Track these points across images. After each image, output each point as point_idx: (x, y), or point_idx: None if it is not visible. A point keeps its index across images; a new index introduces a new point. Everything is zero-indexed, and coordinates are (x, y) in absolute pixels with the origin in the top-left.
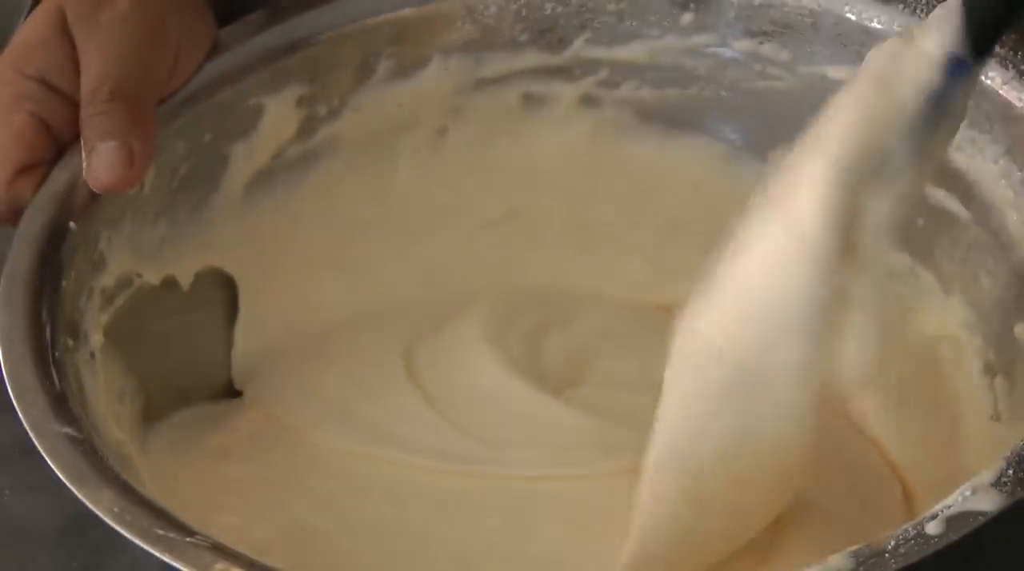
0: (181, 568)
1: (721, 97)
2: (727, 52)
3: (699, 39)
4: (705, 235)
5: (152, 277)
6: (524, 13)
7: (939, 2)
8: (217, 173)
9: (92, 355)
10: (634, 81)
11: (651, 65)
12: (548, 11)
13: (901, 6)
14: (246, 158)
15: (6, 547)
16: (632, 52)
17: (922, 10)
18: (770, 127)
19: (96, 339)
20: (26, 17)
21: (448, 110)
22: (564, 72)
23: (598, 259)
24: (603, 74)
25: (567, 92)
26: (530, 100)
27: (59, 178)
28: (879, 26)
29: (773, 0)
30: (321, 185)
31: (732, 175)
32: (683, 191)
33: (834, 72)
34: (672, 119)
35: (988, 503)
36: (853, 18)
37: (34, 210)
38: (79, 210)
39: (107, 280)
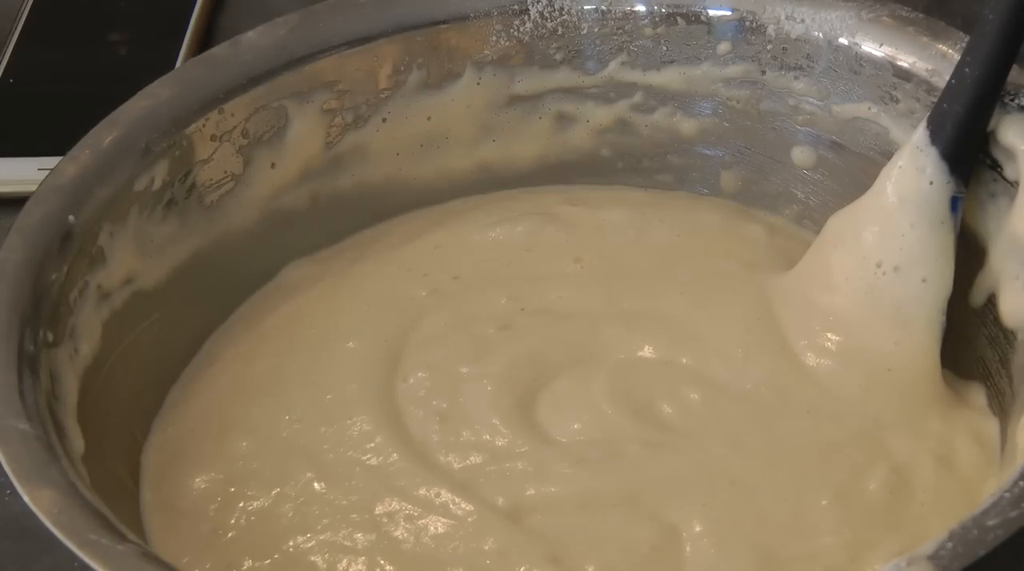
0: None
1: (755, 129)
2: (763, 83)
3: (735, 69)
4: (736, 277)
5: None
6: (560, 31)
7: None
8: (236, 174)
9: (76, 351)
10: (668, 107)
11: (686, 92)
12: (584, 31)
13: (936, 46)
14: (267, 161)
15: (6, 547)
16: (667, 78)
17: (958, 52)
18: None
19: (86, 336)
20: (26, 17)
21: (480, 126)
22: (598, 94)
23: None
24: (637, 98)
25: (600, 114)
26: (562, 120)
27: (65, 170)
28: (908, 66)
29: (809, 36)
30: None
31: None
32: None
33: (866, 111)
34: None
35: None
36: (887, 58)
37: (35, 201)
38: (81, 203)
39: (105, 277)
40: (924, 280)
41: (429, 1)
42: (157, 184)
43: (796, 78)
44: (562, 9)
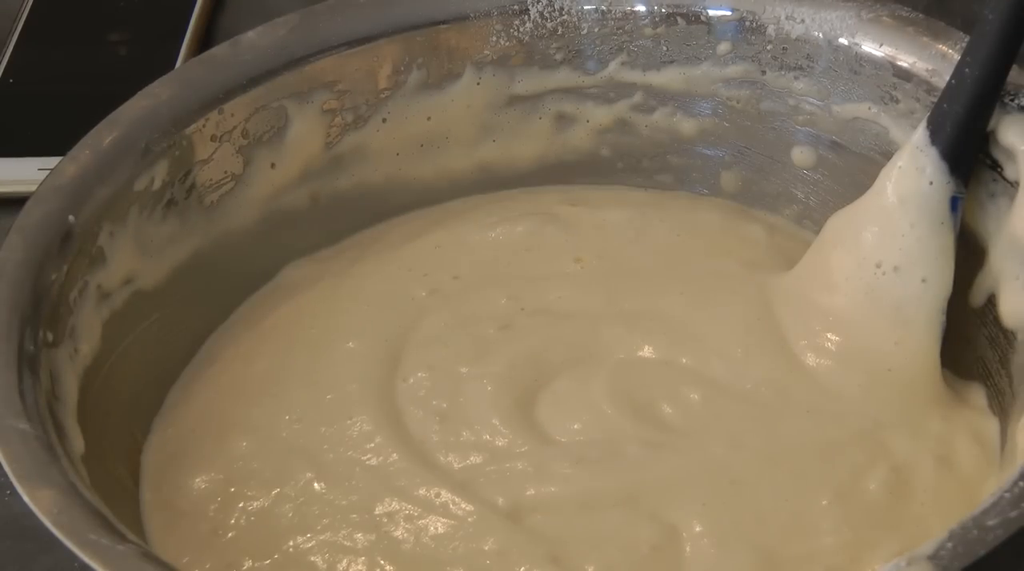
0: None
1: (755, 129)
2: (762, 84)
3: (735, 69)
4: (736, 277)
5: (150, 280)
6: (560, 31)
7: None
8: (236, 174)
9: (76, 351)
10: (668, 107)
11: (686, 92)
12: (584, 31)
13: (936, 46)
14: (267, 161)
15: (6, 547)
16: (667, 78)
17: (958, 52)
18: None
19: (86, 336)
20: (26, 17)
21: (480, 126)
22: (598, 94)
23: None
24: (637, 98)
25: (600, 114)
26: (562, 120)
27: (65, 170)
28: (908, 66)
29: (809, 36)
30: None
31: (759, 213)
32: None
33: (866, 111)
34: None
35: None
36: (887, 58)
37: (35, 201)
38: (81, 203)
39: (105, 277)
40: (924, 280)
41: (429, 1)
42: (157, 184)
43: (796, 78)
44: (562, 9)
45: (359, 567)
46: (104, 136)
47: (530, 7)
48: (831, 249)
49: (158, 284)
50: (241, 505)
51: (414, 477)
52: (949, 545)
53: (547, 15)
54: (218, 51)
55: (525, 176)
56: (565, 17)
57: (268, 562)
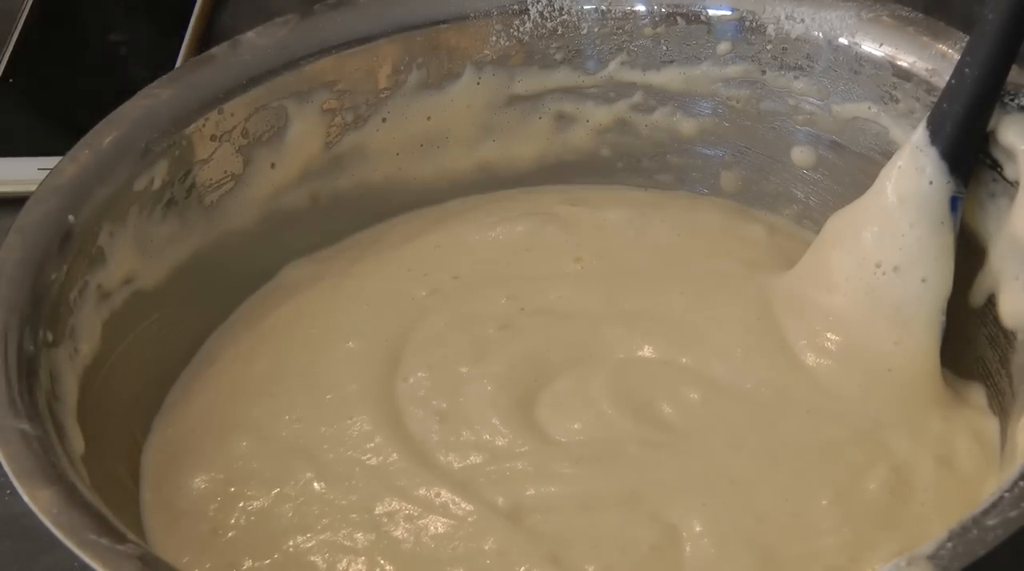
0: None
1: (755, 129)
2: (762, 83)
3: (735, 69)
4: (736, 277)
5: (150, 280)
6: (560, 31)
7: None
8: (236, 174)
9: (76, 350)
10: (668, 107)
11: (686, 92)
12: (584, 31)
13: (936, 46)
14: (267, 161)
15: (6, 547)
16: (667, 78)
17: (958, 52)
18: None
19: (86, 336)
20: (27, 16)
21: (480, 126)
22: (598, 93)
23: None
24: (637, 97)
25: (600, 114)
26: (562, 120)
27: (65, 170)
28: (908, 66)
29: (809, 35)
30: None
31: (759, 213)
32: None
33: (866, 111)
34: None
35: None
36: (887, 58)
37: (35, 201)
38: (81, 203)
39: (105, 277)
40: (924, 280)
41: (429, 1)
42: (157, 184)
43: (796, 78)
44: (562, 9)
45: (359, 567)
46: (104, 136)
47: (530, 7)
48: (831, 249)
49: (158, 284)
50: (241, 505)
51: (414, 477)
52: (949, 545)
53: (547, 15)
54: (218, 51)
55: (525, 176)
56: (565, 17)
57: (268, 562)
